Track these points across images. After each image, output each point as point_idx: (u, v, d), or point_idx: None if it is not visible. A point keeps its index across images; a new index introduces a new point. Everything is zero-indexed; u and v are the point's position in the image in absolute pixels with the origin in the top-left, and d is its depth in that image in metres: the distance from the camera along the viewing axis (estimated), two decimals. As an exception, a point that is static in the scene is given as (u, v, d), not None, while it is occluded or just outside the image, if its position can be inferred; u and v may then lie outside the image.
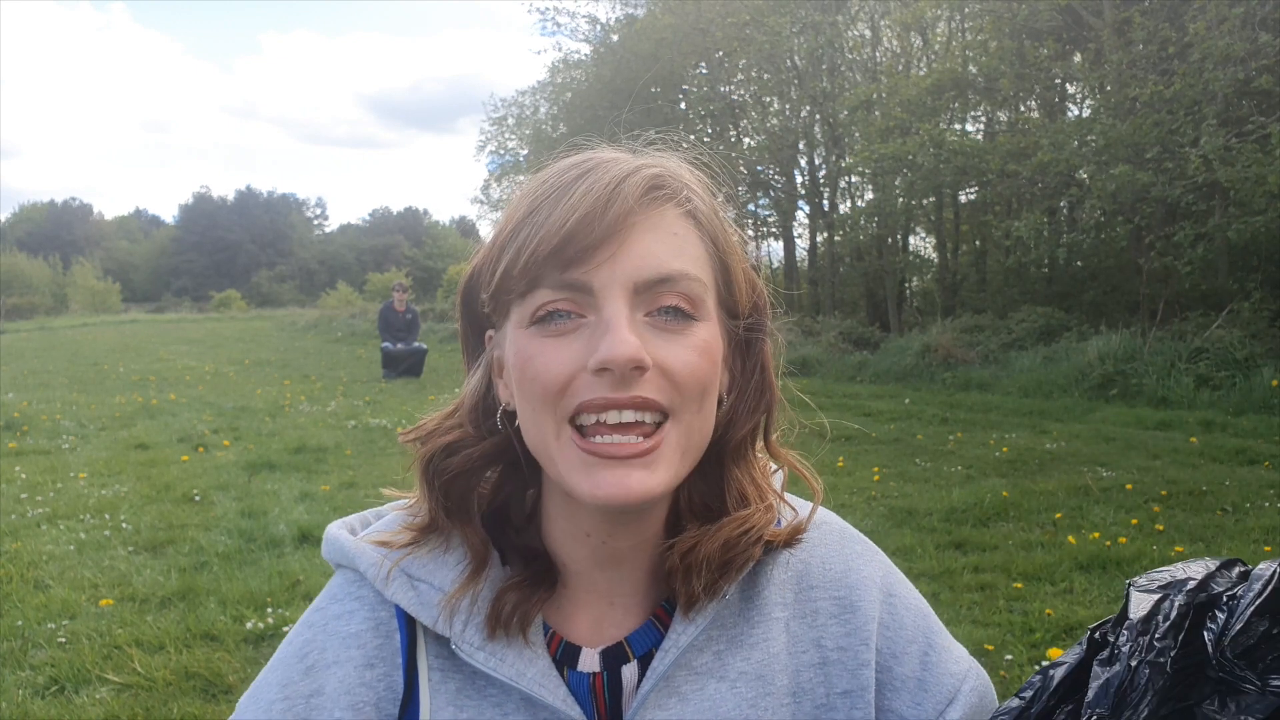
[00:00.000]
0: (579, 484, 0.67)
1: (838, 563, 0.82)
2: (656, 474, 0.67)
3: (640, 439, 0.67)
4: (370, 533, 0.81)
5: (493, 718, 0.73)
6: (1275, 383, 8.49)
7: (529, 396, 0.68)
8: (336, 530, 0.82)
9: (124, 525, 5.22)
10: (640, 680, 0.75)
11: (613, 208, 0.66)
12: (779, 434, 0.80)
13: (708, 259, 0.71)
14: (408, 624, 0.74)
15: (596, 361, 0.65)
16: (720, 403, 0.75)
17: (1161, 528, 4.81)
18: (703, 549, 0.73)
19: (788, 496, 0.83)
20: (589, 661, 0.76)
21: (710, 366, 0.69)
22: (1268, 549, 4.34)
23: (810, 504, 0.83)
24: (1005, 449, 7.08)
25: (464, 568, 0.75)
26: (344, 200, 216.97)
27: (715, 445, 0.74)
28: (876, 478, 6.18)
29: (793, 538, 0.79)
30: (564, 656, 0.76)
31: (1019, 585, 3.99)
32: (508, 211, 0.72)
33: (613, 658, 0.76)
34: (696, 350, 0.68)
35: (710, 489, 0.76)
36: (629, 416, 0.66)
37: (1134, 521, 4.93)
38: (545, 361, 0.67)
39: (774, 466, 0.83)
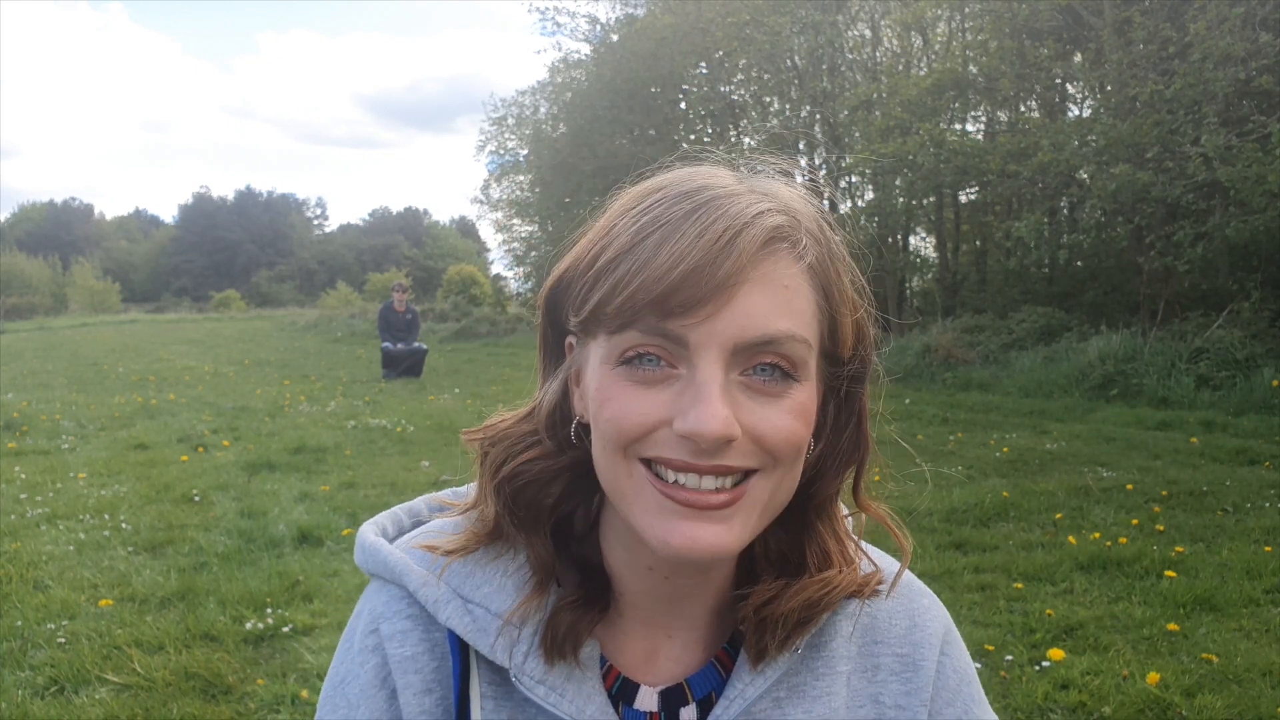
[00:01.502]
0: (650, 529, 0.64)
1: (903, 618, 0.80)
2: (733, 530, 0.64)
3: (721, 490, 0.64)
4: (417, 538, 0.76)
5: None
6: (1275, 383, 8.49)
7: (603, 435, 0.66)
8: (375, 538, 0.77)
9: (123, 525, 5.21)
10: None
11: (726, 263, 0.61)
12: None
13: (815, 313, 0.66)
14: (460, 650, 0.71)
15: (684, 430, 0.61)
16: (808, 449, 0.70)
17: (1162, 528, 4.80)
18: (780, 606, 0.71)
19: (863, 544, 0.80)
20: (647, 700, 0.74)
21: (804, 429, 0.66)
22: (1268, 549, 4.33)
23: (875, 549, 0.80)
24: (1006, 449, 7.08)
25: (525, 584, 0.72)
26: (344, 200, 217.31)
27: (800, 496, 0.70)
28: (877, 478, 6.17)
29: (870, 592, 0.76)
30: (621, 692, 0.74)
31: (1019, 585, 3.99)
32: (608, 225, 0.67)
33: (672, 698, 0.74)
34: (792, 414, 0.64)
35: (791, 541, 0.73)
36: (709, 484, 0.63)
37: (1134, 522, 4.93)
38: (625, 407, 0.63)
39: (845, 510, 0.78)
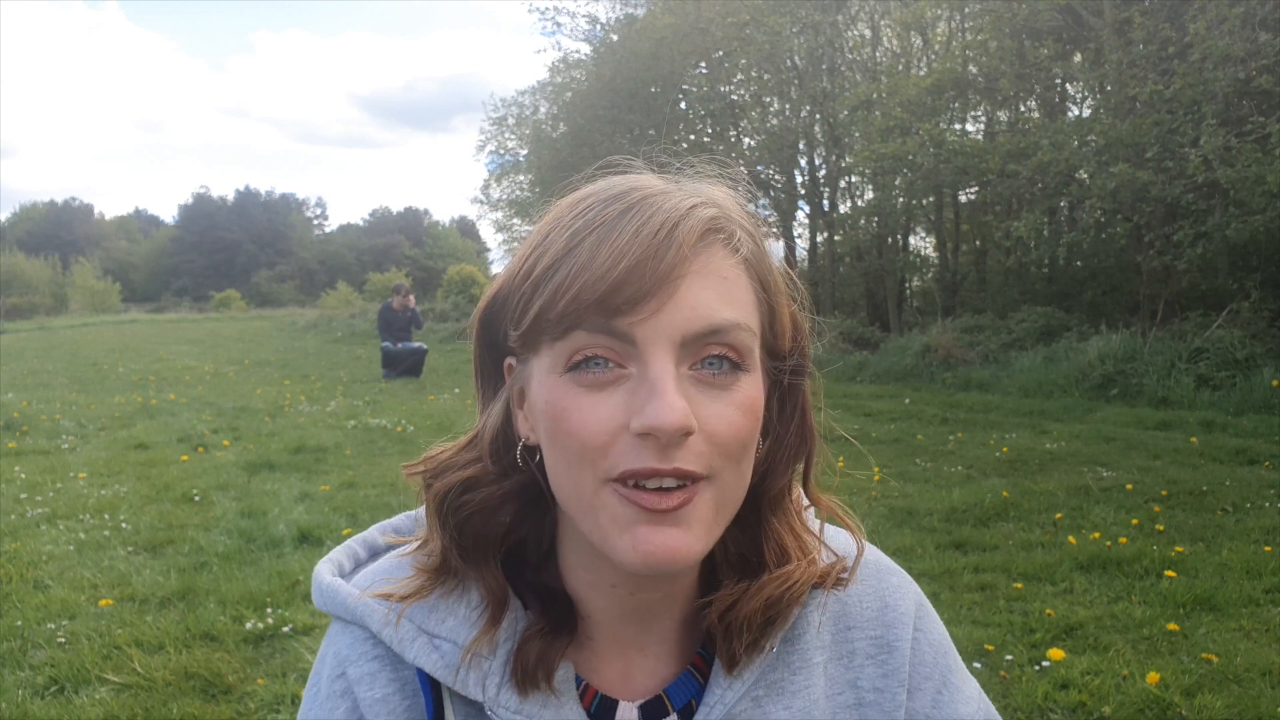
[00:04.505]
0: (618, 541, 0.63)
1: (874, 599, 0.80)
2: (693, 533, 0.63)
3: (676, 491, 0.63)
4: (369, 581, 0.75)
5: None
6: (1275, 383, 8.49)
7: (565, 452, 0.64)
8: (330, 578, 0.75)
9: (124, 525, 5.21)
10: None
11: (666, 256, 0.61)
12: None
13: (755, 304, 0.67)
14: (431, 686, 0.70)
15: (642, 426, 0.60)
16: (757, 446, 0.70)
17: (1162, 528, 4.80)
18: (743, 608, 0.70)
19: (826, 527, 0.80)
20: (627, 715, 0.73)
21: (753, 424, 0.65)
22: (1268, 549, 4.33)
23: (838, 528, 0.80)
24: (1005, 449, 7.08)
25: (481, 615, 0.71)
26: (344, 200, 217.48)
27: (752, 494, 0.70)
28: (877, 477, 6.18)
29: (835, 581, 0.75)
30: (599, 711, 0.73)
31: (1019, 585, 3.99)
32: (539, 238, 0.66)
33: (651, 711, 0.73)
34: (740, 409, 0.64)
35: (748, 540, 0.73)
36: (669, 483, 0.62)
37: (1134, 521, 4.93)
38: (584, 418, 0.62)
39: (806, 502, 0.78)
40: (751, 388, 0.65)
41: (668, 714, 0.73)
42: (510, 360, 0.70)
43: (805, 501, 0.78)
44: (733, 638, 0.71)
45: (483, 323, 0.71)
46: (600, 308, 0.61)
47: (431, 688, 0.70)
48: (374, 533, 0.82)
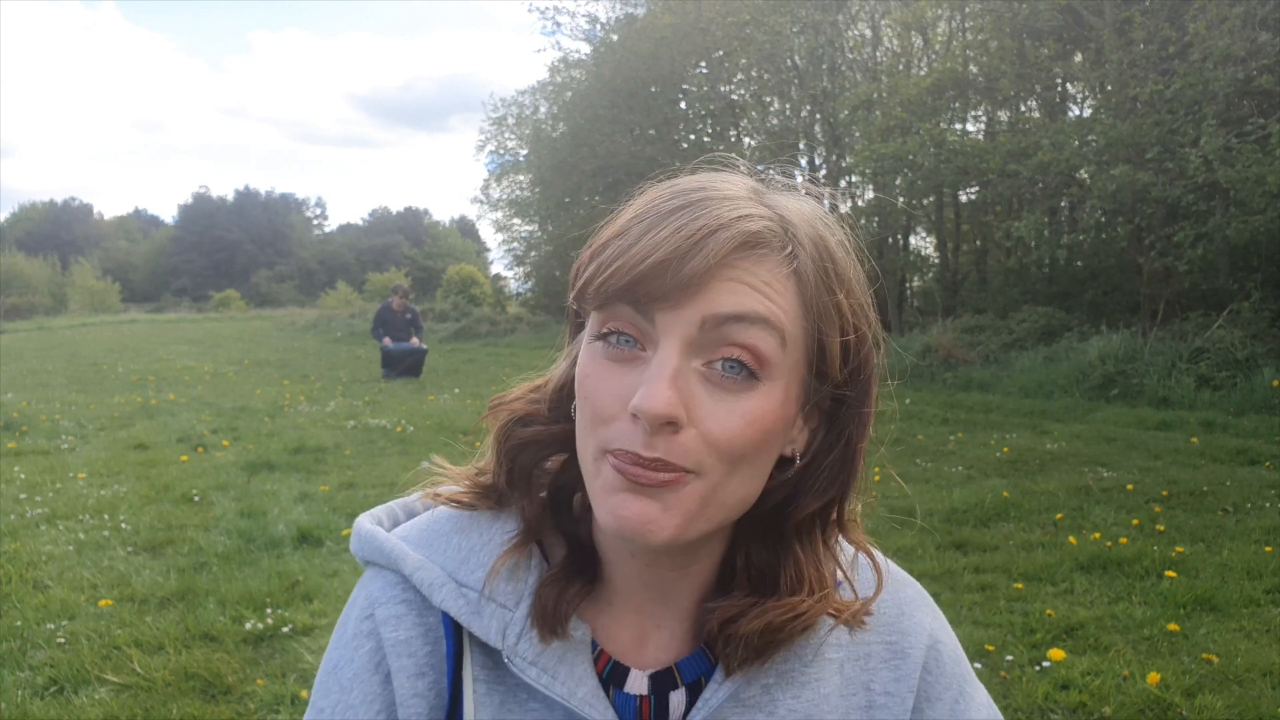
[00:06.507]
0: (601, 507, 0.66)
1: (891, 607, 0.82)
2: (668, 511, 0.64)
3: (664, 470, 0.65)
4: (408, 532, 0.79)
5: None
6: (1276, 383, 8.48)
7: (583, 413, 0.68)
8: (371, 526, 0.79)
9: (123, 525, 5.21)
10: (687, 710, 0.75)
11: (691, 261, 0.62)
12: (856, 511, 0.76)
13: (800, 318, 0.66)
14: (454, 632, 0.73)
15: (631, 406, 0.63)
16: (793, 462, 0.71)
17: (1162, 528, 4.80)
18: (743, 625, 0.71)
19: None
20: (637, 684, 0.75)
21: (758, 436, 0.65)
22: (1269, 549, 4.33)
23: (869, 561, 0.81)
24: (1006, 449, 7.08)
25: (512, 538, 0.74)
26: (343, 200, 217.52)
27: (776, 513, 0.72)
28: (877, 478, 6.17)
29: (848, 619, 0.76)
30: (611, 676, 0.75)
31: (1020, 586, 3.99)
32: (618, 214, 0.70)
33: (661, 682, 0.75)
34: (744, 418, 0.64)
35: (769, 558, 0.74)
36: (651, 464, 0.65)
37: (1135, 522, 4.93)
38: (600, 386, 0.66)
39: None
40: (764, 400, 0.65)
41: (676, 687, 0.75)
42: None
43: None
44: (729, 649, 0.73)
45: (571, 284, 0.75)
46: (627, 293, 0.64)
47: (454, 635, 0.73)
48: (414, 498, 0.86)
